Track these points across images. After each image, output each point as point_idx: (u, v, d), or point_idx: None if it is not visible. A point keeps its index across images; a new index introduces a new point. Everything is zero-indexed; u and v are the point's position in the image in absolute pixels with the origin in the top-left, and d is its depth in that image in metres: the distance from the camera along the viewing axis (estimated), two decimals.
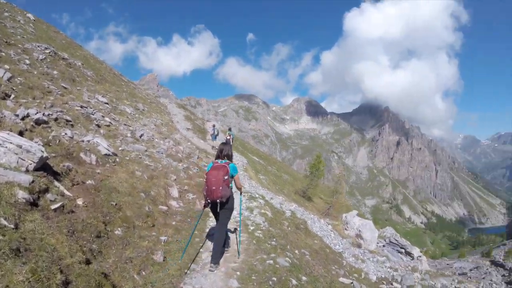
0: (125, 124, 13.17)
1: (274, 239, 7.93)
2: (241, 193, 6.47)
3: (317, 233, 12.33)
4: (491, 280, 22.57)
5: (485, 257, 46.65)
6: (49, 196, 4.79)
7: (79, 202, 5.43)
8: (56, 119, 8.69)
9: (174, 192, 8.98)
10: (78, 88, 14.11)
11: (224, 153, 5.90)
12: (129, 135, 11.92)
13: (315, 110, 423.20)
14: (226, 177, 5.51)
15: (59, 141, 7.13)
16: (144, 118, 17.76)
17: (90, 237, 4.89)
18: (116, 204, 6.25)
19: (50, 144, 6.76)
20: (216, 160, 5.82)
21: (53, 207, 4.63)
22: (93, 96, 14.16)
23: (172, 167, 11.18)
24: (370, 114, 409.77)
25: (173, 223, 7.34)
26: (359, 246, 13.98)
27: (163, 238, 6.35)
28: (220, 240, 5.88)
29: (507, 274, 26.33)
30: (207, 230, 7.72)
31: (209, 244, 6.82)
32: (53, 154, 6.29)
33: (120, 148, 9.64)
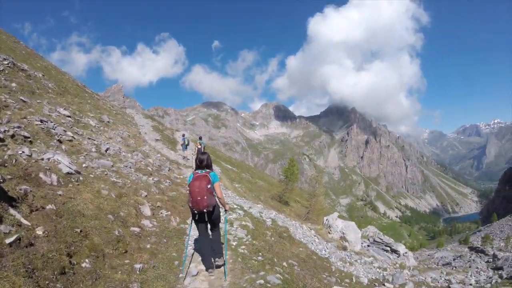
0: (89, 138, 12.27)
1: (260, 254, 7.31)
2: (226, 211, 6.17)
3: (301, 240, 11.87)
4: (477, 268, 22.85)
5: (463, 244, 47.73)
6: (2, 227, 4.10)
7: (39, 231, 4.67)
8: (13, 136, 7.90)
9: (146, 210, 8.19)
10: (38, 101, 13.17)
11: (204, 163, 5.82)
12: (93, 149, 11.04)
13: (283, 115, 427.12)
14: (209, 186, 5.51)
15: (15, 160, 6.35)
16: (109, 130, 16.80)
17: (53, 275, 4.13)
18: (81, 231, 5.44)
19: (6, 164, 6.00)
20: (197, 171, 5.76)
21: (8, 241, 3.94)
22: (54, 109, 13.21)
23: (142, 182, 10.35)
24: (338, 116, 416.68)
25: (148, 246, 6.57)
26: (344, 248, 13.67)
27: (138, 266, 5.57)
28: (219, 239, 6.13)
29: (491, 260, 26.76)
30: (186, 251, 7.05)
31: (191, 268, 6.09)
32: (9, 176, 5.54)
33: (84, 165, 8.75)
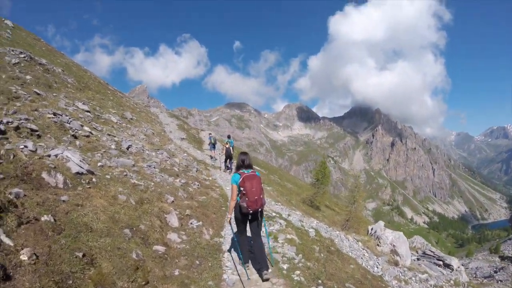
0: (109, 134, 10.92)
1: (320, 281, 5.70)
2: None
3: (349, 254, 10.15)
4: None
5: (493, 253, 45.34)
6: None
7: (24, 256, 3.19)
8: (17, 128, 6.73)
9: (173, 220, 6.62)
10: (54, 94, 12.08)
11: (246, 162, 5.66)
12: (113, 146, 9.65)
13: (306, 116, 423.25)
14: (262, 185, 5.51)
15: (13, 156, 5.02)
16: (132, 127, 15.50)
17: None
18: (84, 255, 3.83)
19: (0, 161, 4.66)
20: (242, 171, 5.53)
21: None
22: (71, 103, 12.01)
23: (167, 185, 8.85)
24: (362, 117, 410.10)
25: (176, 273, 4.92)
26: (396, 263, 11.87)
27: None
28: (263, 247, 5.64)
29: None
30: (225, 276, 5.40)
31: None
32: (1, 176, 4.19)
33: (99, 164, 7.31)
